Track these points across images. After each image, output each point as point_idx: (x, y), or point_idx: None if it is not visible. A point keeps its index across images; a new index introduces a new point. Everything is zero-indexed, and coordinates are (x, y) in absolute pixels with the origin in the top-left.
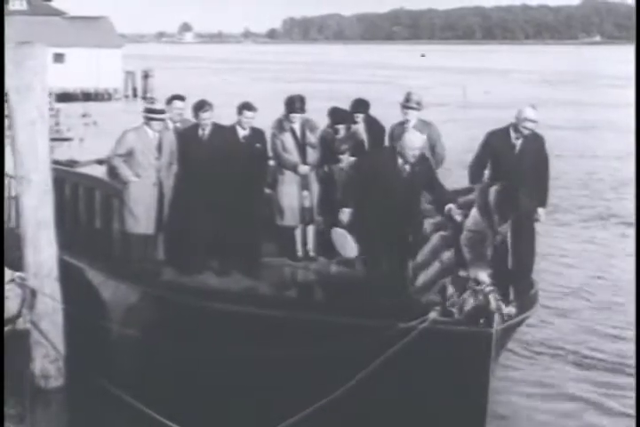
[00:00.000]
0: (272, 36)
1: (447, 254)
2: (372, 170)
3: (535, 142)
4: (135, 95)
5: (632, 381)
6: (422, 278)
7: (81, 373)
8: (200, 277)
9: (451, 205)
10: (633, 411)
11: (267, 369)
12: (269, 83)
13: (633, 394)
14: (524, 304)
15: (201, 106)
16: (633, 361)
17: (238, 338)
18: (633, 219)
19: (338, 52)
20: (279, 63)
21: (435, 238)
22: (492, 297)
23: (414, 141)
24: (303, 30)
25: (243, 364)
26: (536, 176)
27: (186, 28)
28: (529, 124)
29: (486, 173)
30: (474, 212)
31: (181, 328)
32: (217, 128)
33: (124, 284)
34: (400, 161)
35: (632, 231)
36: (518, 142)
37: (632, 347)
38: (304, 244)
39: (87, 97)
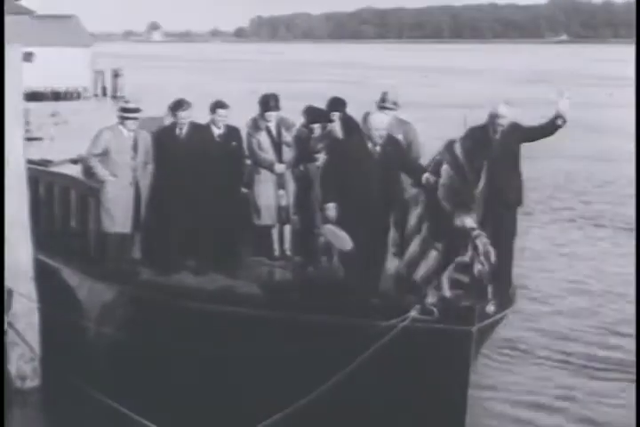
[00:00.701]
0: (240, 34)
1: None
2: (345, 158)
3: (513, 134)
4: (105, 94)
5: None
6: (423, 269)
7: (57, 373)
8: (177, 276)
9: (426, 175)
10: None
11: (246, 368)
12: (242, 82)
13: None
14: (503, 303)
15: (180, 105)
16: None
17: (216, 337)
18: (605, 221)
19: (308, 50)
20: (250, 62)
21: (424, 229)
22: (479, 241)
23: (379, 122)
24: (271, 29)
25: (220, 363)
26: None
27: (154, 26)
28: (501, 121)
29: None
30: (444, 168)
31: (159, 328)
32: (194, 127)
33: (101, 283)
34: (370, 144)
35: (605, 233)
36: (496, 137)
37: (602, 353)
38: (281, 243)
39: (57, 96)
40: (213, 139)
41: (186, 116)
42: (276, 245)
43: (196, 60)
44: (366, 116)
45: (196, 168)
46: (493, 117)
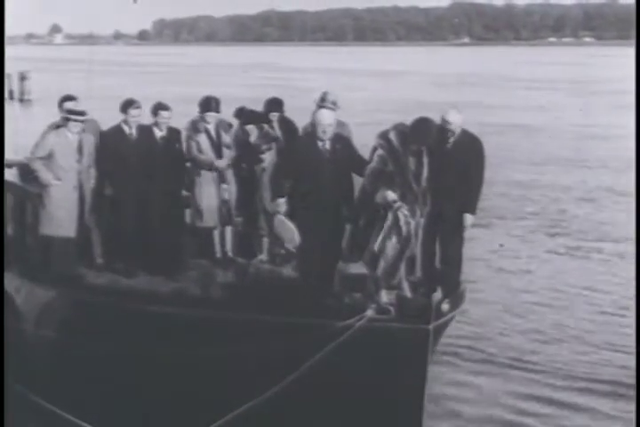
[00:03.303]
0: (143, 37)
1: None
2: (295, 158)
3: (470, 144)
4: (12, 97)
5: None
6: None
7: None
8: (125, 279)
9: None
10: None
11: (199, 370)
12: (155, 85)
13: None
14: (454, 302)
15: (130, 103)
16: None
17: (169, 339)
18: (553, 229)
19: (217, 53)
20: (160, 65)
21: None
22: (400, 213)
23: (325, 118)
24: (174, 32)
25: (174, 365)
26: (467, 179)
27: (56, 29)
28: (450, 127)
29: None
30: (377, 153)
31: (105, 331)
32: (142, 128)
33: (43, 287)
34: (320, 143)
35: (541, 238)
36: (450, 142)
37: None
38: (222, 245)
39: None
40: (156, 141)
41: (136, 115)
42: (217, 247)
43: (103, 63)
44: (315, 113)
45: (141, 169)
46: (443, 123)
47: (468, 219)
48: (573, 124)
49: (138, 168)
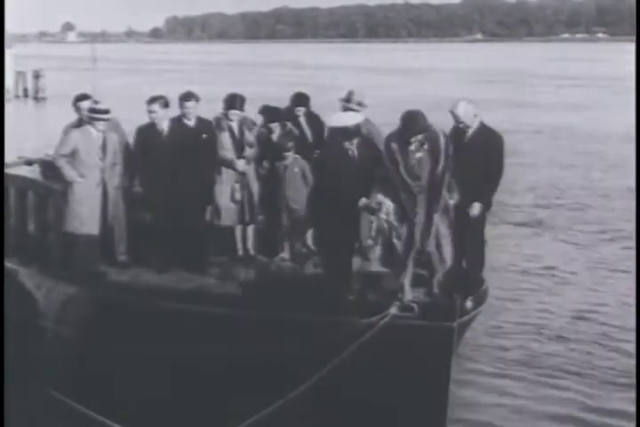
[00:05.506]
0: (155, 35)
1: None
2: (324, 161)
3: (488, 139)
4: (26, 95)
5: None
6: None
7: (17, 375)
8: (147, 276)
9: None
10: None
11: (224, 368)
12: (171, 85)
13: None
14: (477, 300)
15: (187, 96)
16: None
17: (190, 337)
18: (571, 230)
19: (233, 50)
20: (176, 63)
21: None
22: (381, 214)
23: (341, 119)
24: (187, 29)
25: (196, 363)
26: (485, 173)
27: (68, 27)
28: (462, 120)
29: None
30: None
31: (126, 328)
32: (176, 122)
33: (64, 285)
34: (346, 144)
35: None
36: (468, 136)
37: None
38: (244, 242)
39: None
40: (188, 132)
41: (192, 106)
42: (239, 245)
43: (118, 61)
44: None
45: (173, 164)
46: (453, 116)
47: (476, 208)
48: (599, 123)
49: (169, 163)
